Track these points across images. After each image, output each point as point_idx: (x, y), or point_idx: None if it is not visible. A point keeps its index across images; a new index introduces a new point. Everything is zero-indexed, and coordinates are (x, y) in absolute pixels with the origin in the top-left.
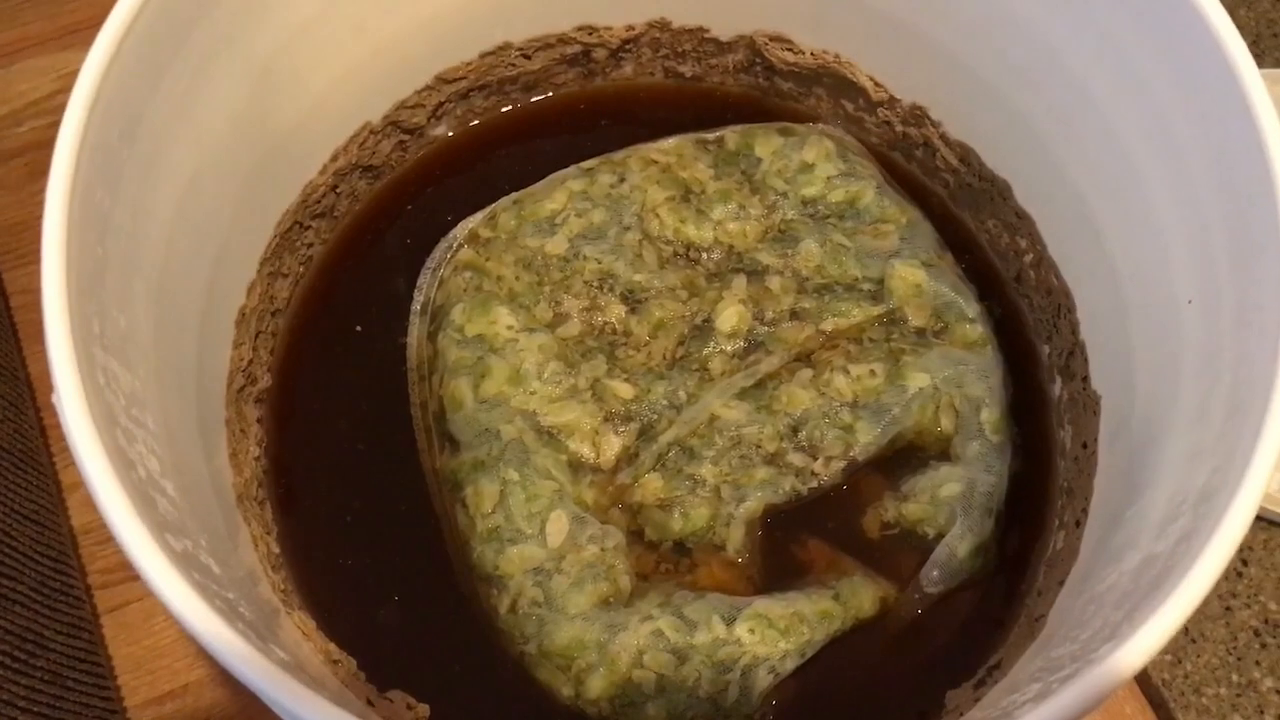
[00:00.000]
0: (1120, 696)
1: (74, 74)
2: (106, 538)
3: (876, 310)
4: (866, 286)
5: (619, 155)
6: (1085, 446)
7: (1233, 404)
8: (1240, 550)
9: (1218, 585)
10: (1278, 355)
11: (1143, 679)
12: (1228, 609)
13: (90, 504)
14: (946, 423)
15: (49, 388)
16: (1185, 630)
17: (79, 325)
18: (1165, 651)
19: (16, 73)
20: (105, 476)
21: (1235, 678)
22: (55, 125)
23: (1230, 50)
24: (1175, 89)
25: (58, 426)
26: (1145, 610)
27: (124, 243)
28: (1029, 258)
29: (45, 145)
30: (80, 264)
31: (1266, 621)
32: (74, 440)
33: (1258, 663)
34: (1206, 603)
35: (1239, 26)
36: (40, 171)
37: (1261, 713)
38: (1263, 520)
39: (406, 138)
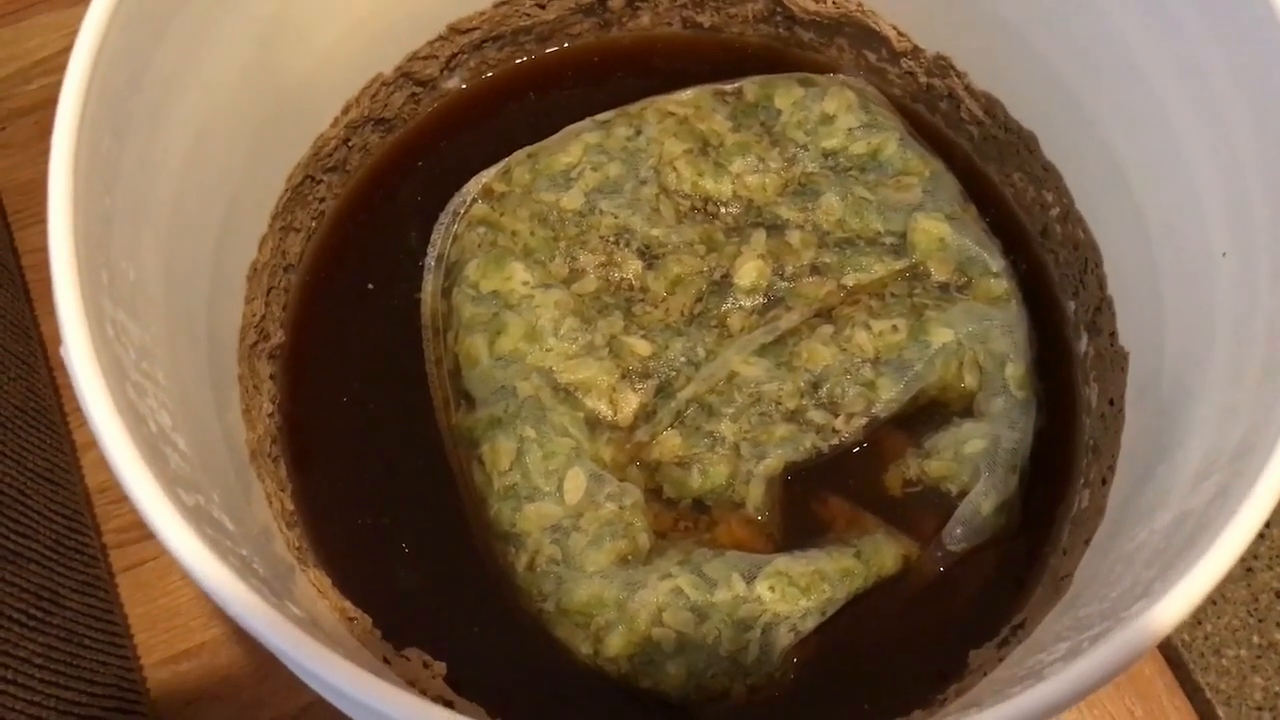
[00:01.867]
0: None
1: None
2: (121, 497)
3: (899, 264)
4: (889, 240)
5: (635, 107)
6: (1112, 403)
7: (1270, 360)
8: None
9: None
10: None
11: (1162, 641)
12: (1249, 570)
13: (104, 463)
14: (970, 379)
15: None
16: None
17: (87, 276)
18: None
19: (26, 29)
20: (115, 430)
21: (1256, 639)
22: None
23: None
24: (1211, 33)
25: (71, 385)
26: (1180, 567)
27: (132, 193)
28: (1055, 211)
29: (55, 103)
30: (88, 212)
31: None
32: (83, 393)
33: (1279, 624)
34: None
35: None
36: (50, 130)
37: None
38: None
39: (419, 90)
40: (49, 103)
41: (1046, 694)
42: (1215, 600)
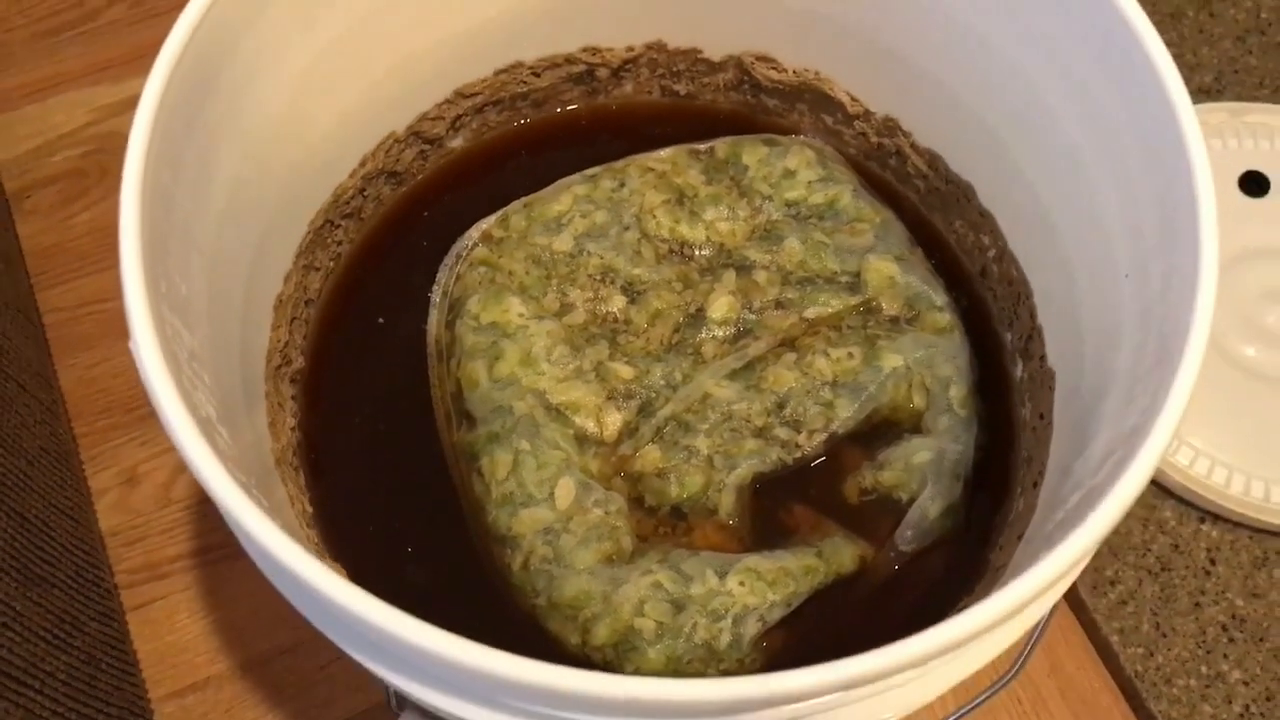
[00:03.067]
0: (1096, 688)
1: (105, 108)
2: (132, 540)
3: (854, 300)
4: (844, 279)
5: (619, 164)
6: (1042, 418)
7: (1159, 354)
8: (1209, 550)
9: (1187, 582)
10: (1194, 305)
11: (1117, 671)
12: (1197, 605)
13: (115, 508)
14: (918, 399)
15: (79, 398)
16: (1157, 625)
17: (150, 280)
18: (1138, 645)
19: (51, 106)
20: (176, 405)
21: (1204, 670)
22: (87, 155)
23: (1156, 59)
24: (1113, 91)
25: (86, 435)
26: (1077, 522)
27: (184, 221)
28: (991, 253)
29: (76, 175)
30: (151, 228)
31: (1234, 617)
32: (146, 369)
33: (1225, 655)
34: (1177, 599)
35: (1202, 64)
36: (71, 199)
37: (1230, 703)
38: (1229, 521)
39: (427, 147)
40: (70, 174)
41: (943, 633)
42: (1166, 633)
